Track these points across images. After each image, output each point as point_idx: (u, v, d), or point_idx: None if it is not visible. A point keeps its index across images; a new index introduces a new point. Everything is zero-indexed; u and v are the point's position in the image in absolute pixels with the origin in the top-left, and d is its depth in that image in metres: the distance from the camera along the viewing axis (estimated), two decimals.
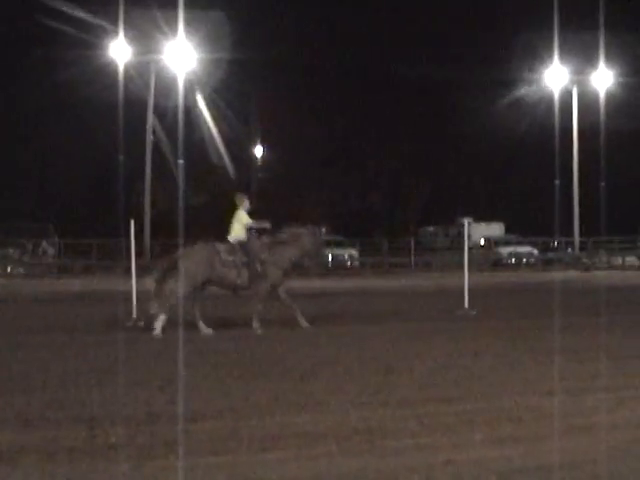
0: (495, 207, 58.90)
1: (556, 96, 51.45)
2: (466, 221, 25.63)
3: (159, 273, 15.16)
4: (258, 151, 64.72)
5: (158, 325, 14.37)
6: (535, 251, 49.84)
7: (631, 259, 49.62)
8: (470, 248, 28.45)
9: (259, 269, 15.25)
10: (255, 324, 14.98)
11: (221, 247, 15.26)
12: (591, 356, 11.32)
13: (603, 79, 51.67)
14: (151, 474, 6.04)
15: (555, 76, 51.25)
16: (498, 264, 48.00)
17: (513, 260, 48.75)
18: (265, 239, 15.72)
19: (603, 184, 53.79)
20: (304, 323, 15.29)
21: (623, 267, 47.14)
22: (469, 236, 33.29)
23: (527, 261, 48.73)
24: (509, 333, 14.34)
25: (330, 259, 46.43)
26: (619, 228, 51.45)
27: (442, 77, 57.40)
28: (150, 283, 15.03)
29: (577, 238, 51.61)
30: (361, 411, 7.93)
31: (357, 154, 65.71)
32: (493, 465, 6.18)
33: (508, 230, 54.57)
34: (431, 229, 57.85)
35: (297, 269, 16.88)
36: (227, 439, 6.93)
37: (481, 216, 53.26)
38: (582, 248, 51.24)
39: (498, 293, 26.14)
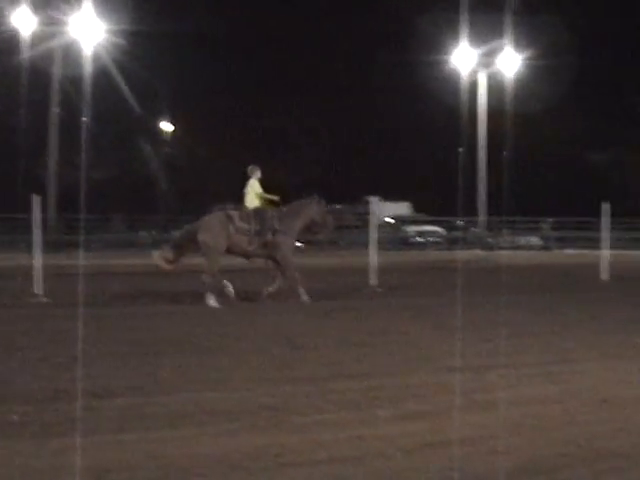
0: (402, 186, 59.40)
1: (464, 78, 52.06)
2: (373, 199, 25.78)
3: (174, 244, 16.01)
4: (166, 126, 63.90)
5: (210, 301, 14.86)
6: (441, 230, 50.50)
7: (534, 239, 50.67)
8: (377, 227, 28.63)
9: (270, 237, 15.74)
10: (301, 293, 15.61)
11: (235, 215, 15.76)
12: (493, 334, 11.56)
13: (510, 61, 52.43)
14: (55, 451, 5.98)
15: (463, 58, 51.83)
16: (405, 243, 48.49)
17: (420, 239, 49.31)
18: (275, 210, 16.23)
19: (507, 160, 54.75)
20: (264, 294, 15.63)
21: (526, 247, 48.10)
22: (376, 215, 33.54)
23: (433, 240, 49.33)
24: (414, 310, 14.57)
25: None
26: (523, 209, 52.53)
27: (348, 54, 57.63)
28: (158, 258, 15.65)
29: (482, 218, 52.45)
30: (267, 387, 7.98)
31: (265, 130, 65.43)
32: (397, 441, 6.30)
33: (415, 209, 55.17)
34: (338, 207, 58.11)
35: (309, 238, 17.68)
36: (132, 416, 6.90)
37: (388, 195, 53.70)
38: (487, 228, 52.11)
39: (404, 271, 26.43)
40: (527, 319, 13.42)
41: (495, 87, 52.93)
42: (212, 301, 14.90)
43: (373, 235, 20.53)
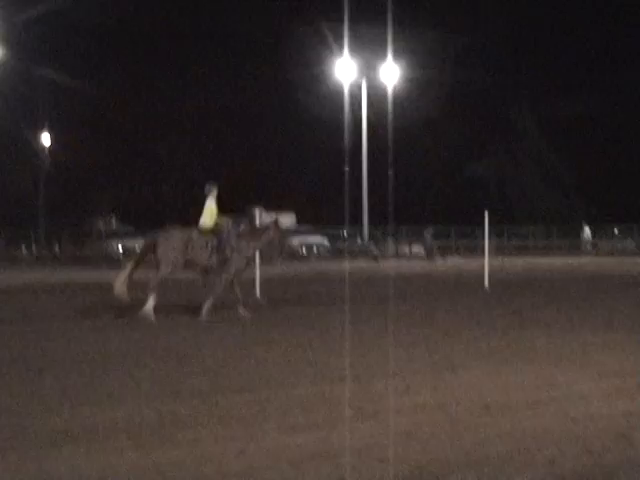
0: (286, 197, 59.59)
1: (346, 88, 52.62)
2: (257, 210, 25.72)
3: (135, 259, 16.18)
4: (46, 139, 62.53)
5: (148, 307, 15.09)
6: (326, 241, 50.80)
7: (418, 248, 51.47)
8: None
9: (228, 254, 16.11)
10: (205, 310, 15.56)
11: (194, 231, 16.19)
12: (380, 343, 11.69)
13: (391, 73, 53.24)
14: None
15: (345, 69, 52.39)
16: (289, 254, 48.61)
17: (304, 250, 49.50)
18: (235, 228, 16.79)
19: (391, 173, 55.68)
20: (244, 313, 15.67)
21: (410, 256, 48.82)
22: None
23: (318, 251, 49.60)
24: (300, 322, 14.61)
25: (121, 250, 45.70)
26: (406, 218, 53.37)
27: (226, 63, 57.68)
28: (120, 287, 15.43)
29: (366, 228, 53.01)
30: (152, 403, 7.86)
31: (149, 141, 64.78)
32: (285, 453, 6.28)
33: (299, 220, 55.37)
34: (223, 218, 57.91)
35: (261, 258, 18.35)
36: (13, 436, 6.70)
37: (272, 205, 53.77)
38: (371, 237, 52.70)
39: (289, 283, 26.49)
40: (413, 327, 13.60)
41: (376, 98, 53.65)
42: (148, 306, 15.14)
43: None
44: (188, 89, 60.56)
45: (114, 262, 43.14)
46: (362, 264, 41.62)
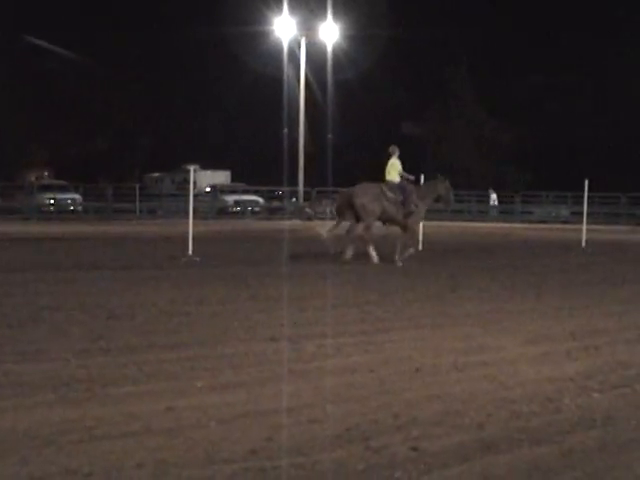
0: (222, 154, 59.17)
1: (285, 47, 52.22)
2: (192, 168, 25.58)
3: (337, 212, 19.21)
4: None
5: (347, 255, 17.97)
6: (260, 200, 50.61)
7: None
8: (195, 195, 28.43)
9: (413, 207, 18.62)
10: (409, 252, 18.42)
11: (385, 186, 18.57)
12: (312, 304, 11.72)
13: (330, 32, 52.94)
14: None
15: (284, 27, 51.96)
16: (224, 212, 48.36)
17: (238, 208, 49.27)
18: (412, 185, 19.14)
19: (330, 135, 55.61)
20: (375, 259, 18.09)
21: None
22: (195, 183, 33.25)
23: (252, 210, 49.40)
24: (233, 280, 14.57)
25: (52, 203, 45.14)
26: (344, 179, 53.32)
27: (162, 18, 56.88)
28: (322, 229, 18.74)
29: (301, 188, 52.89)
30: (81, 359, 7.80)
31: (83, 98, 63.62)
32: (213, 411, 6.28)
33: (234, 178, 55.07)
34: (157, 175, 57.33)
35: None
36: None
37: (208, 163, 53.39)
38: (306, 198, 52.62)
39: (223, 241, 26.41)
40: (345, 289, 13.66)
41: (316, 56, 53.33)
42: (374, 257, 17.93)
43: (191, 204, 20.38)
44: (123, 44, 59.49)
45: (44, 215, 42.67)
46: (296, 224, 41.64)
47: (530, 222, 48.45)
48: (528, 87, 65.43)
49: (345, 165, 57.21)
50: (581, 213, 28.13)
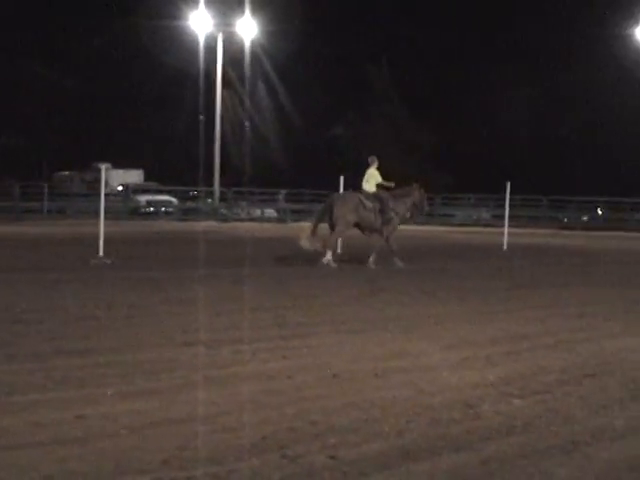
0: (135, 153, 58.56)
1: (201, 41, 51.95)
2: (103, 166, 25.29)
3: (317, 217, 20.14)
4: None
5: (328, 258, 18.98)
6: (174, 200, 50.23)
7: (270, 211, 51.55)
8: (107, 195, 28.08)
9: (392, 215, 19.98)
10: (396, 261, 19.55)
11: (362, 196, 19.89)
12: (227, 308, 11.69)
13: (248, 27, 52.82)
14: None
15: (200, 21, 51.67)
16: (136, 213, 47.88)
17: (151, 209, 48.82)
18: (388, 193, 20.28)
19: (248, 128, 55.52)
20: (399, 263, 19.51)
21: (262, 219, 48.89)
22: (106, 182, 32.87)
23: (166, 210, 49.00)
24: (146, 283, 14.45)
25: None
26: (260, 180, 53.26)
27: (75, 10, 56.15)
28: (306, 241, 19.08)
29: (217, 188, 52.65)
30: None
31: None
32: (125, 419, 6.22)
33: (148, 178, 54.57)
34: (66, 174, 56.50)
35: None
36: None
37: (120, 162, 52.81)
38: (222, 199, 52.42)
39: (135, 242, 26.16)
40: (262, 293, 13.65)
41: (233, 52, 53.14)
42: (328, 256, 18.99)
43: (102, 204, 20.13)
44: (30, 37, 58.55)
45: None
46: (212, 225, 41.48)
47: (451, 225, 49.02)
48: (449, 87, 66.17)
49: (264, 165, 57.20)
50: (502, 216, 28.56)
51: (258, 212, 51.20)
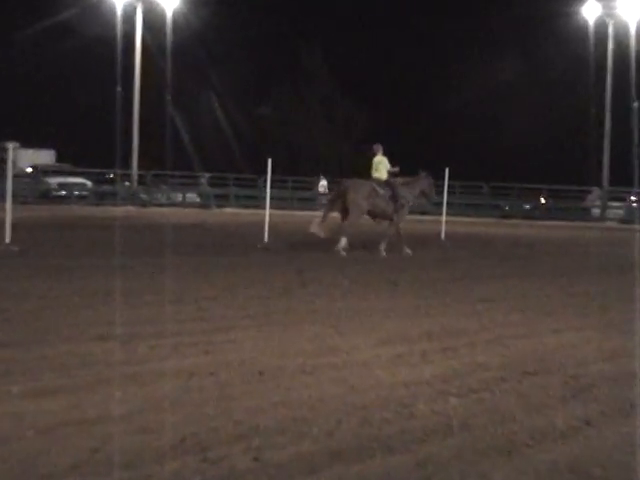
0: (46, 131, 57.74)
1: (119, 11, 51.42)
2: (11, 146, 24.84)
3: (329, 205, 21.74)
4: None
5: (341, 246, 20.25)
6: (89, 183, 49.67)
7: (192, 196, 51.30)
8: (14, 176, 27.68)
9: (404, 202, 21.61)
10: (403, 248, 21.08)
11: (374, 183, 21.26)
12: (145, 300, 11.61)
13: None
14: None
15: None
16: (46, 196, 47.26)
17: (64, 192, 48.21)
18: (398, 180, 21.79)
19: (169, 102, 55.12)
20: (407, 250, 21.03)
21: (184, 204, 48.66)
22: (14, 163, 32.32)
23: (79, 194, 48.44)
24: (57, 273, 14.28)
25: None
26: (181, 163, 52.94)
27: None
28: (316, 227, 20.46)
29: (135, 171, 52.24)
30: None
31: None
32: (31, 419, 6.14)
33: (60, 158, 53.84)
34: None
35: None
36: None
37: (29, 141, 52.02)
38: (141, 182, 52.03)
39: (45, 228, 25.84)
40: (182, 283, 13.57)
41: (153, 23, 52.66)
42: (343, 244, 20.28)
43: (9, 186, 19.81)
44: None
45: None
46: (130, 210, 41.16)
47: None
48: (386, 67, 66.47)
49: (184, 148, 56.79)
50: (440, 204, 28.78)
51: (179, 197, 50.92)
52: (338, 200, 21.18)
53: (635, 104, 52.44)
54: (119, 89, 52.50)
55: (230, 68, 62.88)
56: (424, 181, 22.50)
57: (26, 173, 49.00)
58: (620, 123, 53.22)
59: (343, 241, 20.38)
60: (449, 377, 7.99)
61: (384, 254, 20.48)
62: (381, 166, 21.60)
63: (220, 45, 60.13)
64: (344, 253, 20.02)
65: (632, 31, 52.70)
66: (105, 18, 51.91)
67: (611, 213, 50.41)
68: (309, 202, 50.57)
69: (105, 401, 6.65)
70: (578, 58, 55.61)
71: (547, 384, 7.94)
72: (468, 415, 6.80)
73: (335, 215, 21.23)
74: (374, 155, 21.83)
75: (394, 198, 21.36)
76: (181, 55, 55.15)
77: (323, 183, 52.48)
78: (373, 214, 21.56)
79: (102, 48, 53.46)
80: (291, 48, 66.12)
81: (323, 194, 51.95)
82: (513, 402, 7.26)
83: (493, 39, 64.21)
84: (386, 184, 21.36)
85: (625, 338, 10.24)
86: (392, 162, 21.74)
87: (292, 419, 6.48)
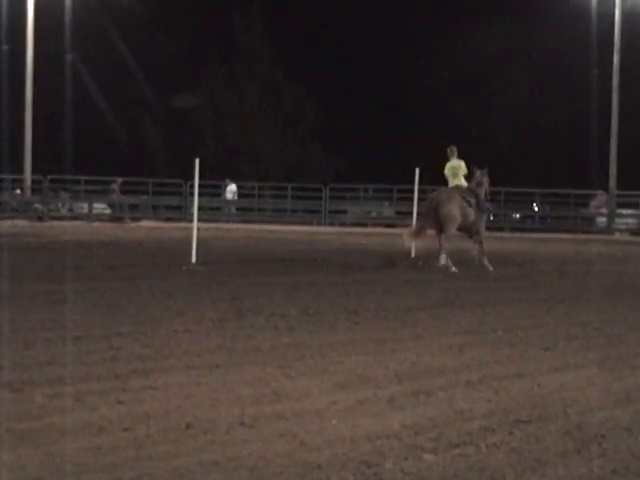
0: None
1: None
2: None
3: (421, 220, 24.37)
4: None
5: (443, 261, 22.81)
6: None
7: (101, 206, 51.08)
8: None
9: (485, 210, 24.31)
10: (481, 259, 23.76)
11: (462, 191, 23.47)
12: (43, 337, 11.52)
13: None
14: None
15: None
16: None
17: None
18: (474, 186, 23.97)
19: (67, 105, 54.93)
20: (486, 263, 23.52)
21: (91, 217, 48.41)
22: None
23: None
24: None
25: None
26: (86, 166, 52.62)
27: None
28: (408, 237, 24.16)
29: (29, 177, 51.91)
30: None
31: None
32: None
33: None
34: None
35: None
36: None
37: None
38: (36, 190, 51.69)
39: None
40: (89, 316, 13.49)
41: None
42: (443, 260, 22.73)
43: None
44: None
45: None
46: (22, 225, 40.88)
47: (343, 224, 49.39)
48: (340, 46, 66.55)
49: (94, 145, 56.51)
50: (410, 213, 28.85)
51: (85, 207, 50.66)
52: (430, 213, 23.39)
53: None
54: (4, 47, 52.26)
55: (148, 44, 62.76)
56: (484, 180, 24.16)
57: None
58: (631, 110, 53.49)
59: (443, 257, 22.71)
60: (423, 428, 7.99)
61: (491, 268, 23.18)
62: (460, 171, 23.86)
63: (135, 14, 59.99)
64: (455, 269, 22.41)
65: None
66: None
67: (620, 222, 50.78)
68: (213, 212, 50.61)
69: None
70: (577, 32, 56.05)
71: (544, 435, 7.97)
72: (447, 476, 6.81)
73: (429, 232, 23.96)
74: (448, 159, 24.13)
75: (480, 206, 23.56)
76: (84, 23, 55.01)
77: (232, 188, 52.28)
78: (462, 226, 23.58)
79: None
80: (225, 19, 66.07)
81: (232, 201, 51.76)
82: (503, 459, 7.27)
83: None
84: (470, 191, 23.55)
85: (638, 377, 10.32)
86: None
87: None
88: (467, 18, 63.93)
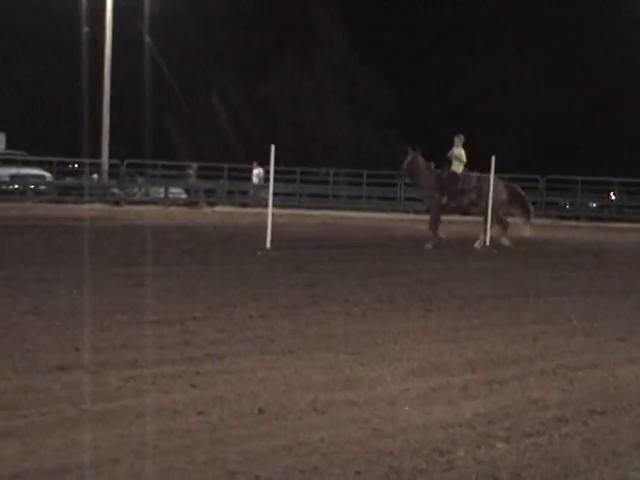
0: None
1: None
2: None
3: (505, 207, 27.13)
4: None
5: (505, 242, 26.18)
6: (48, 175, 49.76)
7: (178, 191, 51.28)
8: None
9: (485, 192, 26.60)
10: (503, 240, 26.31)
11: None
12: (119, 319, 11.60)
13: None
14: None
15: None
16: None
17: (17, 186, 48.33)
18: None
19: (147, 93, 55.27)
20: (506, 242, 26.26)
21: (167, 201, 48.65)
22: None
23: (36, 188, 48.54)
24: (7, 286, 14.29)
25: None
26: (164, 151, 52.85)
27: None
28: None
29: (106, 161, 52.18)
30: None
31: None
32: None
33: (11, 144, 53.91)
34: None
35: None
36: None
37: None
38: (113, 174, 52.02)
39: None
40: (164, 300, 13.56)
41: None
42: (505, 241, 26.09)
43: None
44: None
45: None
46: (99, 209, 41.19)
47: (417, 212, 49.25)
48: (417, 32, 66.30)
49: (167, 134, 56.69)
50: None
51: (161, 192, 50.93)
52: (514, 202, 26.76)
53: None
54: (87, 30, 52.58)
55: (224, 36, 62.86)
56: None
57: None
58: None
59: (505, 239, 26.05)
60: (496, 417, 7.96)
61: (508, 243, 26.02)
62: (463, 157, 26.50)
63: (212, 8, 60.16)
64: (508, 243, 25.95)
65: None
66: None
67: None
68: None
69: (67, 447, 6.63)
70: None
71: (619, 427, 7.90)
72: (519, 465, 6.76)
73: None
74: (455, 145, 26.66)
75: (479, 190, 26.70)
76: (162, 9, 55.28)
77: (258, 172, 51.49)
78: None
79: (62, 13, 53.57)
80: (302, 6, 66.03)
81: (259, 186, 50.76)
82: (576, 449, 7.22)
83: None
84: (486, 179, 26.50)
85: None
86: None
87: (300, 470, 6.45)
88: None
